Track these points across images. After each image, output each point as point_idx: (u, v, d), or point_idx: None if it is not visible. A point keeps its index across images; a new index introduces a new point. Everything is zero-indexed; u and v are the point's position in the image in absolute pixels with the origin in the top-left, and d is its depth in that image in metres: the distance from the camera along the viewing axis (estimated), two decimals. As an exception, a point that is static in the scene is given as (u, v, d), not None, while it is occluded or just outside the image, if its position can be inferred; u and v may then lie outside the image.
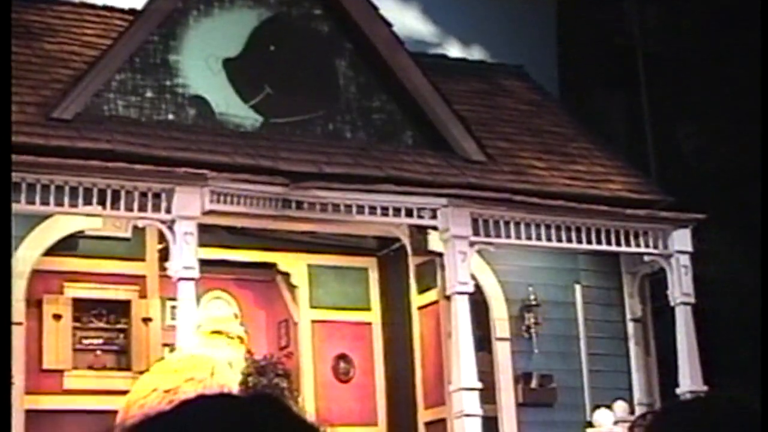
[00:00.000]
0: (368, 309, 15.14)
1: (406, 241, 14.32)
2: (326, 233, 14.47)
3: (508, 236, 13.67)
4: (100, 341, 13.58)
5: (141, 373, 11.97)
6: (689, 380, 13.91)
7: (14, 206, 11.22)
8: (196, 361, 2.76)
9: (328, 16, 14.10)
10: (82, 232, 12.98)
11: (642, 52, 19.92)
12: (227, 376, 2.75)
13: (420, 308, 14.52)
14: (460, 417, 12.97)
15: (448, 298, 13.42)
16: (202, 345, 7.68)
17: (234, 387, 2.71)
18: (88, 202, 11.89)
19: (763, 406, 2.24)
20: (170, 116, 13.20)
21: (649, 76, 19.76)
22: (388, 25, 14.24)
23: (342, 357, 14.94)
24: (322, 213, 13.00)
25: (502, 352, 14.40)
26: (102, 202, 11.94)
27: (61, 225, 12.70)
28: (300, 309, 14.88)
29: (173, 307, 12.89)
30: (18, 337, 12.04)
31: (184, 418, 1.79)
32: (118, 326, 13.60)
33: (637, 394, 14.92)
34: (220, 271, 14.26)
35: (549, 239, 13.91)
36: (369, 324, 15.12)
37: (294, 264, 14.86)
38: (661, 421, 2.35)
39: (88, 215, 12.35)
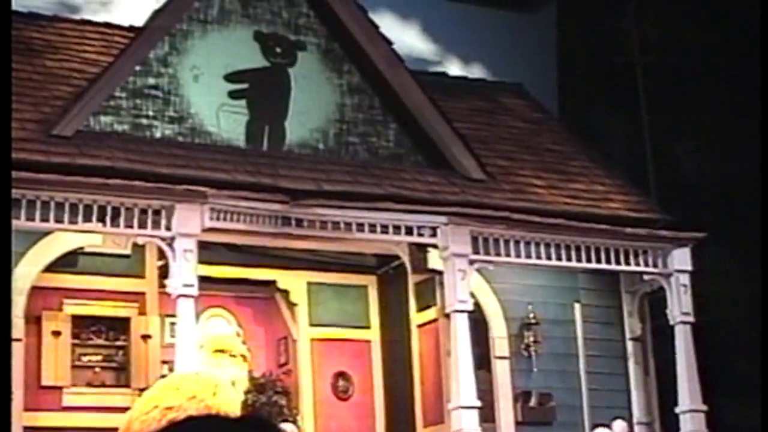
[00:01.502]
0: (367, 327, 15.13)
1: (405, 259, 14.31)
2: (326, 251, 14.46)
3: (507, 254, 13.67)
4: (99, 358, 13.56)
5: (140, 390, 12.00)
6: (688, 399, 13.89)
7: (14, 223, 11.19)
8: (199, 380, 2.75)
9: (330, 34, 14.11)
10: (81, 248, 12.98)
11: (641, 70, 19.94)
12: (230, 396, 2.74)
13: (419, 326, 14.51)
14: (460, 435, 12.95)
15: (447, 316, 13.41)
16: (205, 363, 7.68)
17: (236, 407, 2.71)
18: (87, 218, 11.89)
19: (762, 421, 2.24)
20: (170, 133, 13.21)
21: (649, 94, 19.78)
22: (389, 43, 14.26)
23: (341, 375, 14.92)
24: (322, 231, 13.00)
25: (502, 371, 14.39)
26: (102, 219, 11.94)
27: (60, 242, 12.70)
28: (299, 326, 14.87)
29: (172, 324, 12.89)
30: (17, 353, 12.01)
31: None
32: (117, 343, 13.60)
33: (636, 413, 14.90)
34: (219, 289, 14.26)
35: (548, 258, 13.90)
36: (368, 342, 15.10)
37: (293, 281, 14.86)
38: None
39: (87, 232, 12.35)
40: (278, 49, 13.90)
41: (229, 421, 1.82)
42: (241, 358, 7.78)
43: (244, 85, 13.63)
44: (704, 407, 13.96)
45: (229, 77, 13.55)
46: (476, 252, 13.47)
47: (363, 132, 14.14)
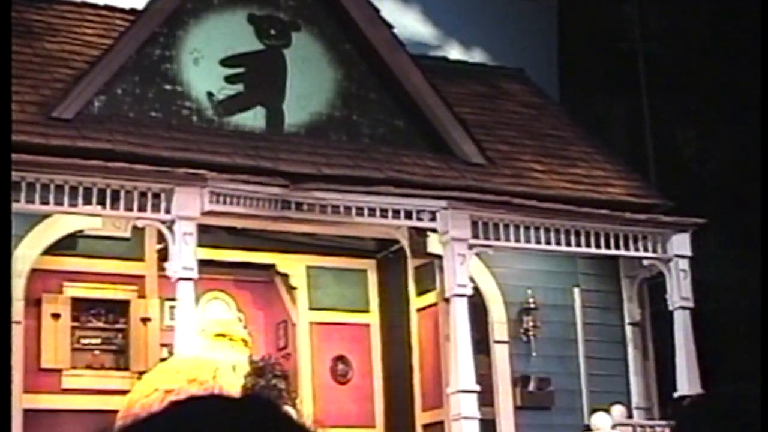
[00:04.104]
0: (367, 311, 15.14)
1: (405, 243, 14.32)
2: (325, 235, 14.47)
3: (507, 239, 13.67)
4: (99, 341, 13.57)
5: (139, 373, 12.00)
6: (687, 384, 13.90)
7: (14, 205, 11.19)
8: (200, 363, 2.76)
9: (329, 17, 14.09)
10: (81, 231, 12.98)
11: (643, 56, 19.93)
12: (230, 380, 2.75)
13: (419, 310, 14.52)
14: (458, 419, 12.97)
15: (446, 300, 13.41)
16: (205, 348, 7.68)
17: (236, 390, 2.71)
18: (87, 201, 11.89)
19: (762, 409, 2.24)
20: (170, 116, 13.20)
21: (650, 81, 19.77)
22: (389, 26, 14.24)
23: (340, 358, 14.93)
24: (322, 214, 13.00)
25: (501, 355, 14.40)
26: (102, 202, 11.94)
27: (60, 224, 12.70)
28: (299, 310, 14.87)
29: (172, 308, 12.89)
30: (16, 336, 12.02)
31: (174, 420, 1.78)
32: (117, 326, 13.60)
33: (635, 398, 14.92)
34: (219, 272, 14.26)
35: (548, 242, 13.91)
36: (367, 326, 15.11)
37: (293, 265, 14.86)
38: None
39: (87, 215, 12.34)
40: (272, 31, 13.88)
41: (231, 401, 1.81)
42: (242, 343, 7.77)
43: (241, 70, 13.62)
44: (702, 392, 13.97)
45: (225, 62, 13.53)
46: (476, 236, 13.47)
47: (363, 116, 14.13)
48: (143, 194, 12.10)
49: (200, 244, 12.30)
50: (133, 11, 14.31)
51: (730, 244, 18.09)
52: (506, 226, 13.69)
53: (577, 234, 14.06)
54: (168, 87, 13.25)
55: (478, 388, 13.07)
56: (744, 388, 2.40)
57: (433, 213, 13.40)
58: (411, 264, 14.49)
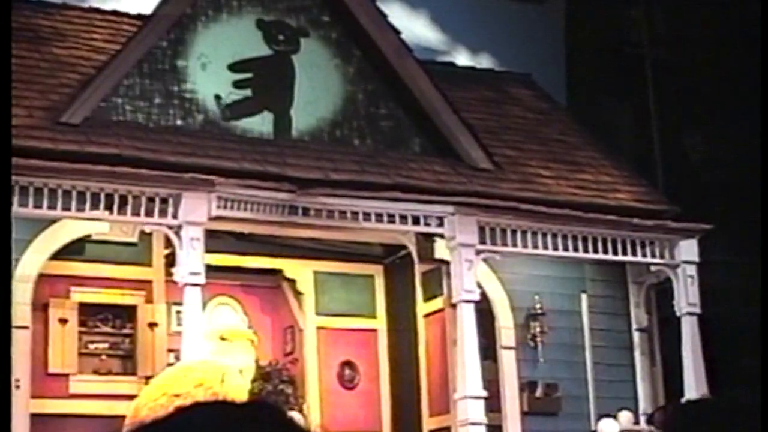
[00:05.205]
0: (374, 316, 15.13)
1: (412, 248, 14.31)
2: (332, 240, 14.46)
3: (514, 245, 13.67)
4: (106, 346, 13.59)
5: (146, 377, 12.02)
6: (695, 390, 13.88)
7: (21, 210, 11.24)
8: (207, 367, 2.76)
9: (337, 23, 14.11)
10: (89, 236, 12.98)
11: (650, 61, 19.91)
12: (237, 383, 2.75)
13: (426, 316, 14.52)
14: (465, 425, 12.96)
15: (453, 306, 13.41)
16: (213, 351, 7.70)
17: (244, 394, 2.71)
18: (95, 206, 11.90)
19: (764, 414, 2.24)
20: (178, 121, 13.21)
21: (657, 85, 19.74)
22: (397, 32, 14.25)
23: (347, 364, 14.93)
24: (329, 220, 13.00)
25: (508, 361, 14.39)
26: (109, 207, 11.95)
27: (68, 229, 12.71)
28: (306, 315, 14.88)
29: (179, 313, 12.91)
30: (24, 340, 12.05)
31: (180, 426, 1.79)
32: (124, 331, 13.62)
33: (643, 404, 14.90)
34: (226, 277, 14.27)
35: (555, 248, 13.90)
36: (374, 331, 15.11)
37: (300, 270, 14.86)
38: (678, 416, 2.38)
39: (95, 220, 12.35)
40: (281, 37, 13.89)
41: (237, 407, 1.82)
42: (249, 343, 7.80)
43: (249, 75, 13.63)
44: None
45: (233, 67, 13.54)
46: (483, 242, 13.46)
47: (370, 121, 14.13)
48: (150, 199, 12.11)
49: (207, 250, 12.30)
50: (140, 16, 14.33)
51: (737, 250, 18.05)
52: (513, 232, 13.68)
53: (585, 240, 14.05)
54: (175, 92, 13.26)
55: (485, 393, 13.06)
56: (743, 395, 2.40)
57: (441, 218, 13.39)
58: (418, 269, 14.49)
